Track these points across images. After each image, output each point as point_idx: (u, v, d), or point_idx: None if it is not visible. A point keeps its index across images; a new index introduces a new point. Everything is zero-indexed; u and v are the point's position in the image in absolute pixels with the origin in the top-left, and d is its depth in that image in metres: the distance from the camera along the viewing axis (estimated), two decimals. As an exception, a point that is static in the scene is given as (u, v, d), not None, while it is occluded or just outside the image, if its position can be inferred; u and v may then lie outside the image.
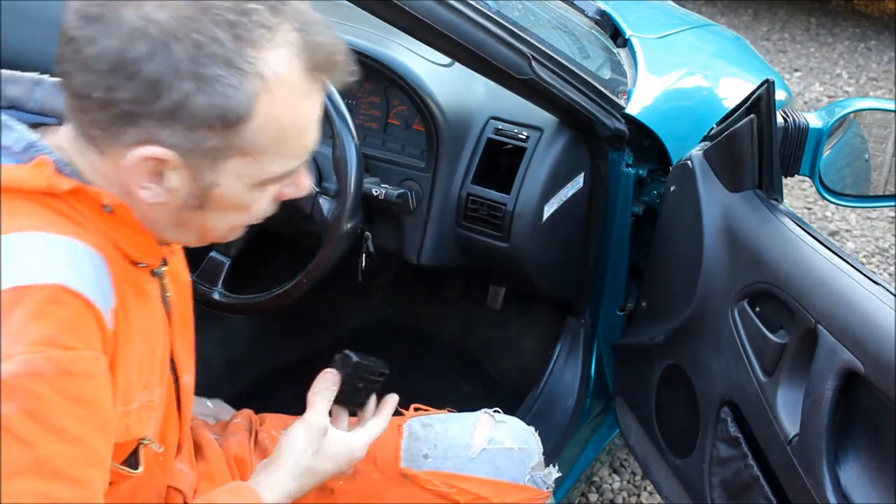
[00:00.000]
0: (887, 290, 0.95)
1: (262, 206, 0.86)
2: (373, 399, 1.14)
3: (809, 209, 3.44)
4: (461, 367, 2.03)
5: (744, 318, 1.17)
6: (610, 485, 2.11)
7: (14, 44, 1.82)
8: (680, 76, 1.76)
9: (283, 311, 1.44)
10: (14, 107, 0.84)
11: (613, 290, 1.68)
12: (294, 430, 1.03)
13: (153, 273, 0.90)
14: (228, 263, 1.43)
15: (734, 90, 1.82)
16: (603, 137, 1.44)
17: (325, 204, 1.34)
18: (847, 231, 3.32)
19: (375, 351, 1.19)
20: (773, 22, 5.80)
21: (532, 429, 1.26)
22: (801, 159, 1.36)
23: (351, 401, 1.11)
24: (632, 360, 1.61)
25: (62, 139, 0.80)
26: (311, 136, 0.82)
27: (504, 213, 1.41)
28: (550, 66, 1.28)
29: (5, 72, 0.86)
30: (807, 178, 1.40)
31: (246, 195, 0.82)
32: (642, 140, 1.55)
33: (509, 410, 1.66)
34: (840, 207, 3.41)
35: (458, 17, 1.11)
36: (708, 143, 1.31)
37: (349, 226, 1.31)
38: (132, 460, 0.87)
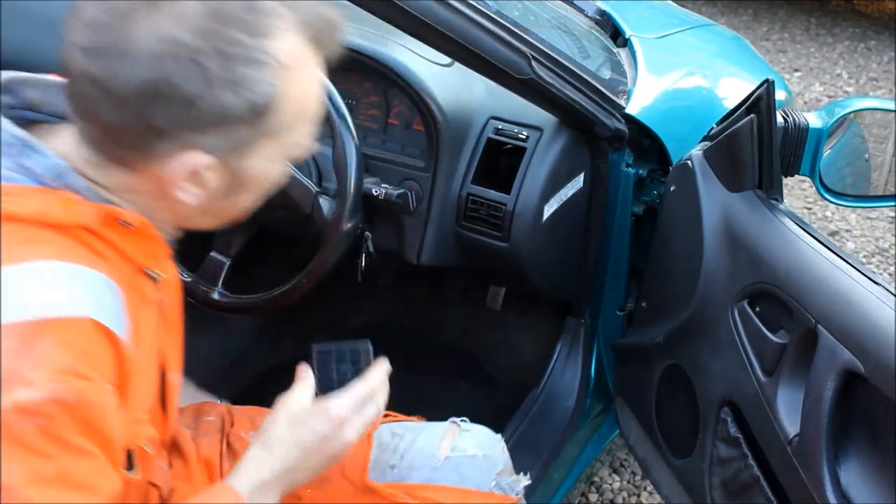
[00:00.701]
0: (887, 290, 0.95)
1: (279, 173, 0.89)
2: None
3: (809, 209, 3.44)
4: (461, 367, 2.03)
5: (744, 318, 1.17)
6: (610, 485, 2.11)
7: (14, 44, 1.82)
8: (680, 76, 1.76)
9: (283, 312, 1.44)
10: (31, 108, 0.86)
11: (613, 290, 1.68)
12: (268, 417, 0.99)
13: (153, 278, 0.90)
14: (228, 263, 1.43)
15: (734, 90, 1.82)
16: (603, 137, 1.44)
17: (325, 204, 1.34)
18: (847, 231, 3.32)
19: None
20: (773, 22, 5.80)
21: (498, 436, 1.24)
22: (801, 159, 1.36)
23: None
24: (632, 361, 1.61)
25: (66, 143, 0.81)
26: (318, 97, 0.86)
27: (504, 212, 1.41)
28: (550, 65, 1.28)
29: (21, 74, 0.87)
30: (807, 178, 1.40)
31: (271, 170, 0.86)
32: (642, 140, 1.55)
33: (509, 410, 1.67)
34: (840, 207, 3.41)
35: (458, 16, 1.11)
36: (708, 143, 1.31)
37: (349, 226, 1.31)
38: (129, 464, 0.88)
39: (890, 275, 3.06)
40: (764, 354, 1.11)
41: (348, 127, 1.29)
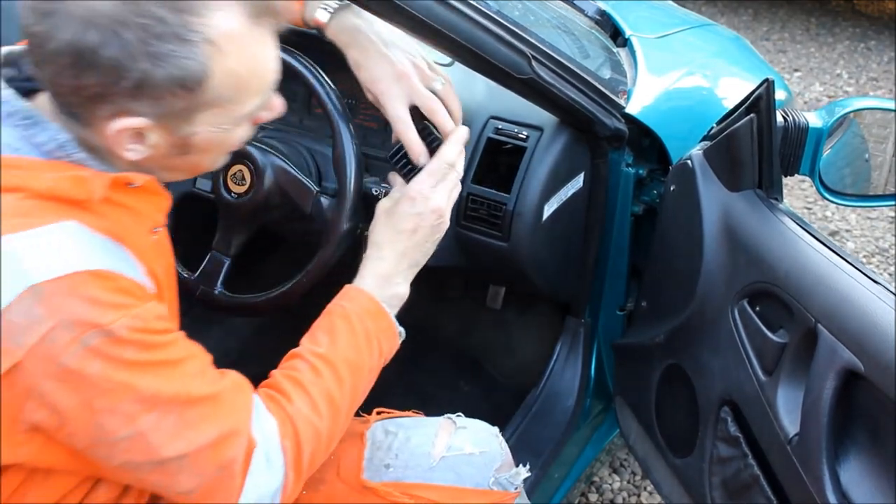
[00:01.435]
0: (887, 290, 0.95)
1: (241, 136, 0.96)
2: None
3: (809, 209, 3.44)
4: (461, 367, 2.03)
5: (744, 318, 1.17)
6: (610, 485, 2.11)
7: (14, 44, 1.82)
8: (680, 76, 1.76)
9: (283, 311, 1.44)
10: (30, 79, 0.92)
11: (613, 290, 1.68)
12: (370, 224, 1.19)
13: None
14: (228, 263, 1.43)
15: (734, 90, 1.82)
16: (603, 137, 1.44)
17: (324, 203, 1.34)
18: (847, 231, 3.33)
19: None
20: (773, 22, 5.80)
21: (496, 430, 1.23)
22: (800, 159, 1.36)
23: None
24: (632, 360, 1.61)
25: (47, 103, 0.89)
26: (270, 71, 0.91)
27: (504, 212, 1.41)
28: (550, 65, 1.28)
29: (23, 47, 0.93)
30: (807, 178, 1.40)
31: (223, 135, 0.92)
32: (642, 140, 1.55)
33: (509, 410, 1.67)
34: (840, 207, 3.41)
35: (458, 16, 1.11)
36: (708, 143, 1.31)
37: (349, 225, 1.31)
38: None
39: (890, 275, 3.06)
40: (764, 354, 1.11)
41: (348, 127, 1.29)
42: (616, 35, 1.86)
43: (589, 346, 1.70)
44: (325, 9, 1.20)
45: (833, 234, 3.30)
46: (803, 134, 1.34)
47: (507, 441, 1.23)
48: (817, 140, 1.35)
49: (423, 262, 1.20)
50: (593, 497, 2.07)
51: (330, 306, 1.14)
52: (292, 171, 1.34)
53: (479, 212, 1.44)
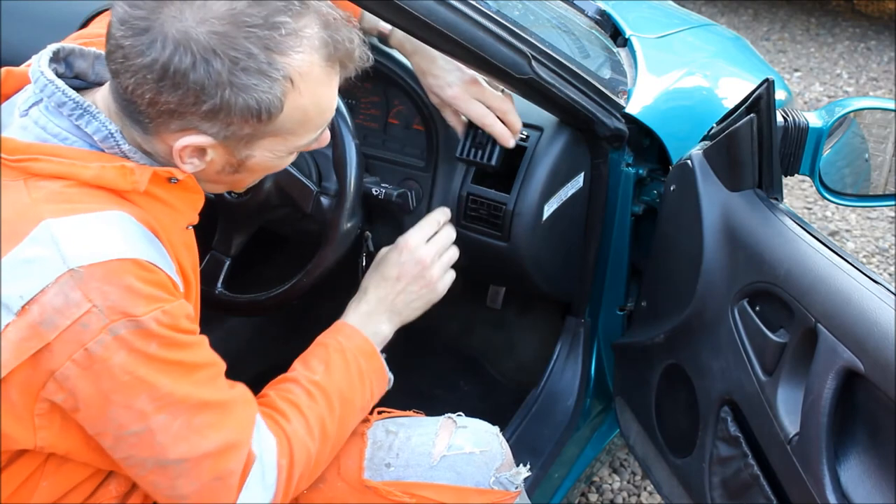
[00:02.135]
0: (887, 290, 0.95)
1: (288, 162, 1.02)
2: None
3: (809, 209, 3.44)
4: (461, 367, 2.03)
5: (744, 318, 1.17)
6: (610, 485, 2.11)
7: (14, 44, 1.82)
8: (680, 76, 1.76)
9: (283, 311, 1.44)
10: (78, 77, 0.98)
11: (613, 290, 1.68)
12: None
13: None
14: (228, 263, 1.43)
15: (734, 90, 1.82)
16: (603, 137, 1.44)
17: (325, 203, 1.34)
18: (847, 231, 3.33)
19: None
20: (773, 22, 5.80)
21: (496, 429, 1.23)
22: (801, 159, 1.36)
23: None
24: (632, 360, 1.61)
25: (104, 102, 0.93)
26: (330, 109, 0.98)
27: (504, 212, 1.41)
28: (550, 65, 1.28)
29: (74, 46, 0.99)
30: (807, 178, 1.40)
31: (275, 161, 0.98)
32: (642, 139, 1.55)
33: (509, 410, 1.67)
34: (840, 207, 3.41)
35: (458, 16, 1.11)
36: (708, 143, 1.31)
37: (349, 225, 1.31)
38: None
39: (890, 275, 3.06)
40: (764, 353, 1.11)
41: (348, 127, 1.29)
42: (616, 35, 1.86)
43: (589, 346, 1.70)
44: None
45: (833, 234, 3.30)
46: (803, 134, 1.34)
47: (507, 441, 1.23)
48: (817, 140, 1.35)
49: (406, 312, 1.28)
50: (593, 497, 2.07)
51: (323, 338, 1.18)
52: (292, 171, 1.34)
53: (479, 212, 1.44)
